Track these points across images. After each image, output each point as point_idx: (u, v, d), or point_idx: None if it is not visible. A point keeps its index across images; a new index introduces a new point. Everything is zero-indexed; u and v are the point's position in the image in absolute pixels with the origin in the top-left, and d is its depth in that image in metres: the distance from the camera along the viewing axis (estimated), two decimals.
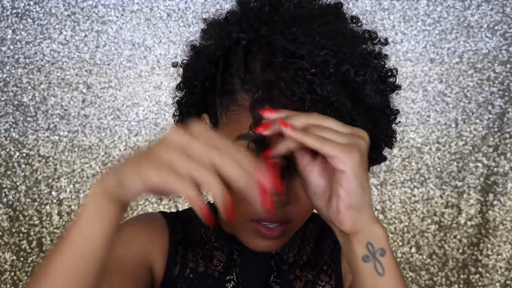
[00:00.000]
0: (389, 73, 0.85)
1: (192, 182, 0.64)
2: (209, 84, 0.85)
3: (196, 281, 0.95)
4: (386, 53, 0.87)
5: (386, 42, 0.86)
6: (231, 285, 0.95)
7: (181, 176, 0.64)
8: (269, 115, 0.73)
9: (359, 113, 0.78)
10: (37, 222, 2.06)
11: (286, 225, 0.84)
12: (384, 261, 0.73)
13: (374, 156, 0.86)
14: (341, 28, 0.81)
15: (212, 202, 0.99)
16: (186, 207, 1.04)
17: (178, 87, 0.93)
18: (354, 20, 0.85)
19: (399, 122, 0.87)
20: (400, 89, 0.87)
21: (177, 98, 0.94)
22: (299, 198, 0.82)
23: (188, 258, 0.96)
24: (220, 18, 0.87)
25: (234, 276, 0.95)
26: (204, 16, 0.90)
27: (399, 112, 0.87)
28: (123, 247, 0.92)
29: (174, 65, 0.93)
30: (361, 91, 0.78)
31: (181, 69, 0.93)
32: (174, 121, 0.97)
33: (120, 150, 2.07)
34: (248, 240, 0.86)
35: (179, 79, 0.94)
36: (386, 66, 0.85)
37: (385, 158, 0.89)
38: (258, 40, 0.79)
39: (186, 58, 0.91)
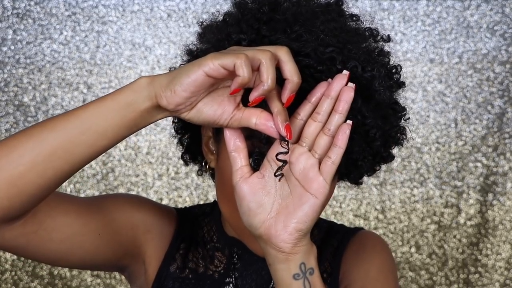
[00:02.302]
0: (393, 70, 0.85)
1: (246, 57, 0.68)
2: None
3: (194, 281, 0.94)
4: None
5: (388, 39, 0.86)
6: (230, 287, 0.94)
7: (237, 53, 0.68)
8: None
9: (369, 110, 0.78)
10: None
11: None
12: (312, 279, 0.76)
13: (385, 154, 0.86)
14: (344, 26, 0.81)
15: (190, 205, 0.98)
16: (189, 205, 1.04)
17: None
18: (354, 18, 0.85)
19: (408, 118, 0.87)
20: (404, 86, 0.87)
21: None
22: None
23: (188, 258, 0.95)
24: (217, 21, 0.86)
25: (233, 279, 0.94)
26: (201, 19, 0.89)
27: (406, 109, 0.87)
28: (126, 206, 0.92)
29: (171, 70, 0.92)
30: (369, 87, 0.78)
31: None
32: (174, 127, 0.97)
33: (120, 150, 2.07)
34: (255, 246, 0.85)
35: None
36: (390, 63, 0.85)
37: (393, 157, 0.89)
38: (259, 40, 0.79)
39: (183, 63, 0.90)
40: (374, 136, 0.79)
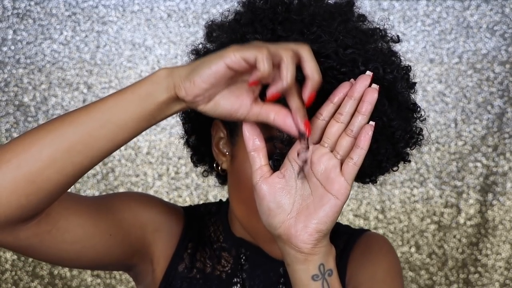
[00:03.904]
0: (406, 69, 0.85)
1: (268, 52, 0.68)
2: None
3: (202, 281, 0.94)
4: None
5: (398, 40, 0.86)
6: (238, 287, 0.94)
7: (259, 47, 0.68)
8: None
9: (393, 111, 0.77)
10: None
11: None
12: (330, 280, 0.76)
13: (406, 156, 0.86)
14: (359, 26, 0.81)
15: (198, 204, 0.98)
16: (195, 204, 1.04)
17: None
18: (361, 18, 0.85)
19: (425, 119, 0.87)
20: (415, 85, 0.87)
21: None
22: None
23: (196, 258, 0.95)
24: (227, 20, 0.85)
25: (241, 279, 0.94)
26: (205, 19, 0.88)
27: (423, 110, 0.86)
28: (135, 205, 0.91)
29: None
30: (392, 88, 0.78)
31: None
32: (185, 129, 0.96)
33: (120, 150, 2.07)
34: (271, 248, 0.85)
35: None
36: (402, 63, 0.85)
37: (409, 160, 0.89)
38: (275, 41, 0.77)
39: (189, 62, 0.88)
40: (399, 137, 0.79)
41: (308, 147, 0.73)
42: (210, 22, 0.87)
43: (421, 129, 0.86)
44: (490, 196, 2.12)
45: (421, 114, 0.85)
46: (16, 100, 2.05)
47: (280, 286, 0.94)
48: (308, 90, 0.70)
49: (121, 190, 2.06)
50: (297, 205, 0.75)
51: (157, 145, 2.08)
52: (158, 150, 2.08)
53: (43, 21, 2.06)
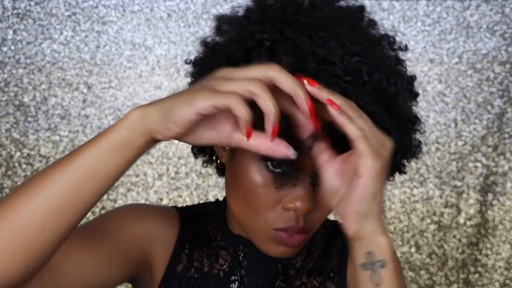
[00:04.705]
0: (410, 80, 0.84)
1: (238, 95, 0.67)
2: None
3: (200, 281, 0.94)
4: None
5: (406, 48, 0.85)
6: (236, 286, 0.94)
7: (227, 92, 0.67)
8: (316, 89, 0.71)
9: (393, 124, 0.77)
10: None
11: (307, 234, 0.84)
12: (383, 273, 0.72)
13: (402, 168, 0.85)
14: (366, 33, 0.80)
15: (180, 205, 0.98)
16: (190, 204, 1.04)
17: (192, 84, 0.89)
18: (371, 23, 0.84)
19: (424, 132, 0.86)
20: (418, 95, 0.86)
21: None
22: (320, 204, 0.82)
23: (193, 257, 0.95)
24: (237, 15, 0.84)
25: (239, 277, 0.94)
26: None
27: (422, 122, 0.86)
28: (128, 222, 0.91)
29: (187, 62, 0.90)
30: (393, 101, 0.77)
31: (190, 66, 0.90)
32: None
33: None
34: (266, 246, 0.85)
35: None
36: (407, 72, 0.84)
37: (405, 172, 0.88)
38: (283, 42, 0.77)
39: (198, 55, 0.88)
40: (397, 150, 0.78)
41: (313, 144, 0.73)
42: (221, 15, 0.86)
43: (420, 142, 0.86)
44: (490, 196, 2.12)
45: (421, 127, 0.84)
46: (16, 100, 2.05)
47: (279, 283, 0.94)
48: (300, 101, 0.70)
49: (121, 190, 2.06)
50: (344, 189, 0.74)
51: (157, 145, 2.08)
52: (158, 150, 2.08)
53: (43, 21, 2.06)
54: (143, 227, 0.92)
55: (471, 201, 2.12)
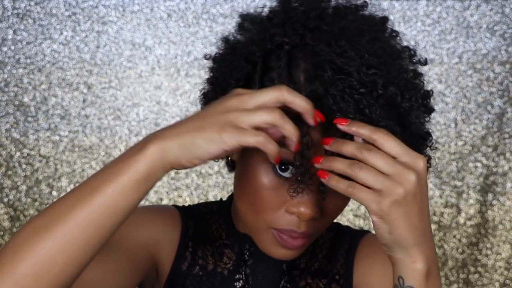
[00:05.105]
0: (426, 95, 0.84)
1: (265, 134, 0.69)
2: (244, 83, 0.82)
3: (205, 278, 0.94)
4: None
5: (425, 63, 0.85)
6: (240, 284, 0.94)
7: (253, 131, 0.69)
8: (344, 126, 0.73)
9: (404, 139, 0.76)
10: None
11: (308, 239, 0.84)
12: None
13: None
14: (386, 45, 0.80)
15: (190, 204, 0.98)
16: (192, 204, 1.04)
17: (209, 81, 0.89)
18: (393, 34, 0.84)
19: (435, 148, 0.86)
20: (434, 111, 0.86)
21: (203, 90, 0.91)
22: (326, 212, 0.82)
23: (198, 255, 0.95)
24: (260, 15, 0.84)
25: (243, 276, 0.94)
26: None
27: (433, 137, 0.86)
28: (131, 229, 0.91)
29: (207, 57, 0.90)
30: (406, 116, 0.77)
31: (210, 63, 0.90)
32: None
33: (120, 150, 2.07)
34: (267, 247, 0.85)
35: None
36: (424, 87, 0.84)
37: None
38: (302, 47, 0.77)
39: (219, 52, 0.88)
40: None
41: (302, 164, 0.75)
42: (245, 14, 0.86)
43: (430, 157, 0.85)
44: (490, 196, 2.12)
45: (432, 143, 0.84)
46: (16, 100, 2.05)
47: (283, 283, 0.94)
48: (310, 118, 0.72)
49: None
50: None
51: None
52: None
53: (43, 21, 2.06)
54: (147, 231, 0.93)
55: (471, 201, 2.12)
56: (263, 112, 0.70)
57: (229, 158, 0.89)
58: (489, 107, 2.11)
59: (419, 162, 0.72)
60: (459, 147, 2.12)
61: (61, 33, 2.06)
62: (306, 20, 0.79)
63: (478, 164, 2.12)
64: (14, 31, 2.05)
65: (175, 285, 0.94)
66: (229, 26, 2.10)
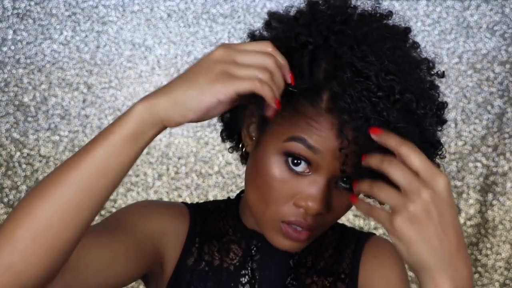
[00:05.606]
0: (440, 106, 0.86)
1: (258, 79, 0.72)
2: None
3: (211, 274, 0.95)
4: None
5: (442, 75, 0.86)
6: (246, 280, 0.95)
7: (247, 77, 0.71)
8: (379, 136, 0.74)
9: (417, 145, 0.76)
10: None
11: (314, 231, 0.86)
12: None
13: None
14: (406, 55, 0.82)
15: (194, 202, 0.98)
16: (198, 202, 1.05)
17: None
18: (414, 45, 0.86)
19: (445, 157, 0.86)
20: (446, 122, 0.88)
21: None
22: (333, 208, 0.84)
23: (204, 251, 0.96)
24: (288, 14, 0.86)
25: (249, 271, 0.95)
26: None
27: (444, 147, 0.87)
28: (139, 219, 0.93)
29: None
30: (420, 123, 0.78)
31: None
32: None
33: None
34: (273, 238, 0.86)
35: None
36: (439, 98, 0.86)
37: None
38: (325, 49, 0.79)
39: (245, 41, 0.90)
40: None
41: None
42: (273, 12, 0.88)
43: (439, 165, 0.86)
44: (490, 196, 2.12)
45: (442, 152, 0.86)
46: (16, 100, 2.06)
47: (289, 280, 0.95)
48: (287, 73, 0.76)
49: (121, 190, 2.06)
50: None
51: (157, 145, 2.08)
52: (158, 150, 2.08)
53: (43, 21, 2.06)
54: (154, 223, 0.94)
55: (471, 201, 2.12)
56: (256, 53, 0.73)
57: (243, 149, 0.92)
58: (489, 107, 2.12)
59: (439, 180, 0.71)
60: (459, 147, 2.12)
61: (61, 33, 2.07)
62: (332, 23, 0.81)
63: (478, 164, 2.12)
64: (14, 31, 2.05)
65: (180, 280, 0.95)
66: (229, 26, 2.11)
